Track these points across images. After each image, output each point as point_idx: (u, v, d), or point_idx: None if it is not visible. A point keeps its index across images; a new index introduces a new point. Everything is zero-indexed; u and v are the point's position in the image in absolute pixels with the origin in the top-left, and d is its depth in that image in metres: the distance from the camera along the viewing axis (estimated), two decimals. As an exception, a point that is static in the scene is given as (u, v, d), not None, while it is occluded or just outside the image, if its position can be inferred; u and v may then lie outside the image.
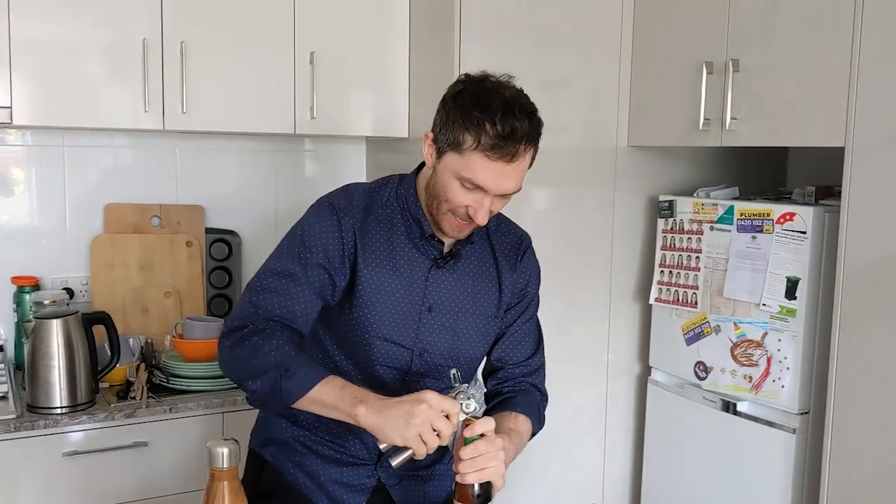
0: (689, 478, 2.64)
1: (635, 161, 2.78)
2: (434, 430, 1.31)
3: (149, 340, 2.61)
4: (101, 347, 2.36)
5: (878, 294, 2.04)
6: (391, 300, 1.52)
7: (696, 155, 2.87)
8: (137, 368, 2.41)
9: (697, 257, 2.55)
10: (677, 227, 2.62)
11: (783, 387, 2.31)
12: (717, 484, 2.54)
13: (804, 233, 2.25)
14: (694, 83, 2.47)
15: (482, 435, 1.34)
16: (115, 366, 2.36)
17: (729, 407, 2.48)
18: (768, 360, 2.35)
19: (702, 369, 2.55)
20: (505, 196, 1.46)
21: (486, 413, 1.60)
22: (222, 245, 2.91)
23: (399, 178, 1.60)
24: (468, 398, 1.36)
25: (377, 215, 1.54)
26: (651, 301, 2.72)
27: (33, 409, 2.21)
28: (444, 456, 1.67)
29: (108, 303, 2.68)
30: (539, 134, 1.44)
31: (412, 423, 1.29)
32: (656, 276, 2.70)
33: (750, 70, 2.32)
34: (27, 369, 2.23)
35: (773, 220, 2.32)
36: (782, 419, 2.34)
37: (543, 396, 1.67)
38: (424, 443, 1.30)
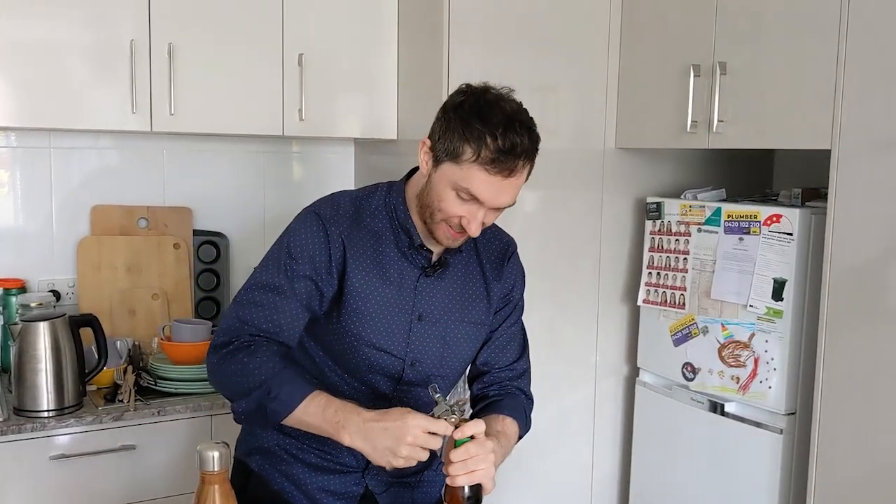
0: (677, 478, 2.65)
1: (623, 163, 2.79)
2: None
3: (136, 343, 2.60)
4: (89, 350, 2.36)
5: (864, 295, 2.06)
6: (381, 309, 1.52)
7: (683, 157, 2.88)
8: (125, 371, 2.40)
9: (685, 259, 2.56)
10: (665, 229, 2.63)
11: (770, 388, 2.33)
12: (705, 484, 2.55)
13: (791, 234, 2.26)
14: (681, 85, 2.48)
15: (472, 437, 1.34)
16: (102, 368, 2.35)
17: (716, 408, 2.49)
18: (755, 361, 2.36)
19: (689, 370, 2.56)
20: (499, 209, 1.46)
21: (474, 416, 1.61)
22: (210, 247, 2.90)
23: (387, 186, 1.58)
24: (452, 413, 1.36)
25: (365, 224, 1.53)
26: (639, 302, 2.74)
27: (20, 412, 2.20)
28: (432, 462, 1.67)
29: (94, 305, 2.66)
30: (537, 149, 1.44)
31: (398, 453, 1.31)
32: (644, 278, 2.71)
33: (737, 73, 2.34)
34: (14, 372, 2.22)
35: (759, 221, 2.33)
36: (769, 420, 2.35)
37: (529, 400, 1.68)
38: (406, 459, 1.32)
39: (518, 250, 1.71)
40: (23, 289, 2.61)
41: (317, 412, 1.36)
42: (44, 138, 2.67)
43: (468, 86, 1.46)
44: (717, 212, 2.45)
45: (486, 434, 1.40)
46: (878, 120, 2.01)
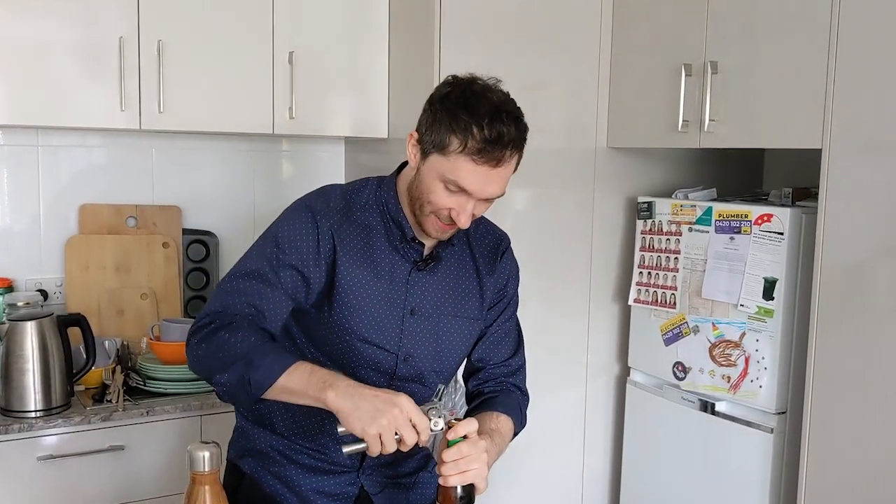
0: (668, 477, 2.65)
1: (614, 162, 2.79)
2: (397, 436, 1.29)
3: (125, 343, 2.58)
4: (77, 350, 2.34)
5: (855, 294, 2.06)
6: (372, 302, 1.51)
7: (674, 156, 2.89)
8: (113, 371, 2.38)
9: (676, 258, 2.56)
10: (656, 228, 2.63)
11: (761, 387, 2.33)
12: (696, 483, 2.55)
13: (781, 234, 2.27)
14: (673, 85, 2.48)
15: (465, 437, 1.34)
16: (90, 368, 2.34)
17: (707, 407, 2.49)
18: (746, 360, 2.36)
19: (680, 369, 2.56)
20: (488, 200, 1.45)
21: (468, 414, 1.60)
22: (199, 246, 2.88)
23: (378, 181, 1.58)
24: (439, 416, 1.34)
25: (356, 217, 1.52)
26: (630, 302, 2.73)
27: (7, 412, 2.18)
28: (427, 464, 1.67)
29: (82, 305, 2.64)
30: (525, 139, 1.43)
31: (377, 421, 1.27)
32: (635, 277, 2.71)
33: (728, 72, 2.34)
34: (0, 372, 2.20)
35: (750, 221, 2.34)
36: (760, 419, 2.35)
37: (524, 396, 1.67)
38: (382, 443, 1.28)
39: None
40: (10, 288, 2.59)
41: (302, 377, 1.33)
42: (31, 136, 2.65)
43: (454, 77, 1.45)
44: (708, 211, 2.45)
45: (480, 432, 1.40)
46: (868, 120, 2.01)
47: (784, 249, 2.26)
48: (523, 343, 1.71)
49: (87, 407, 2.27)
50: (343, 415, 1.29)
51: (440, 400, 1.39)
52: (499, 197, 1.45)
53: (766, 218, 2.30)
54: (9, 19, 2.27)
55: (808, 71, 2.13)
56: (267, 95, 2.60)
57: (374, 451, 1.29)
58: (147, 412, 2.30)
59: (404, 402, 1.30)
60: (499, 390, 1.63)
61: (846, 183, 2.06)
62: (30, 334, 2.19)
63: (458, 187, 1.41)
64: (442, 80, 1.48)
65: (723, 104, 2.36)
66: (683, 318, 2.55)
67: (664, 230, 2.60)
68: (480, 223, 1.66)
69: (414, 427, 1.29)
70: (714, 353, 2.45)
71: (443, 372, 1.60)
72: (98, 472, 2.25)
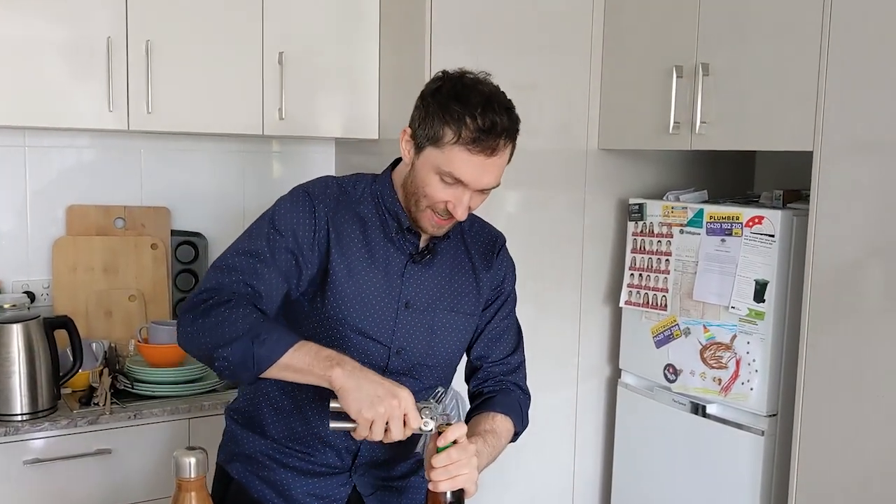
0: (659, 480, 2.65)
1: (606, 164, 2.78)
2: (386, 427, 1.29)
3: (112, 345, 2.56)
4: (63, 352, 2.32)
5: (846, 297, 2.06)
6: (367, 293, 1.50)
7: (666, 158, 2.88)
8: (101, 374, 2.36)
9: (667, 260, 2.56)
10: (647, 230, 2.63)
11: (752, 389, 2.33)
12: (687, 486, 2.55)
13: (772, 236, 2.26)
14: (664, 87, 2.48)
15: (454, 441, 1.33)
16: (77, 371, 2.32)
17: (698, 409, 2.49)
18: (737, 362, 2.36)
19: (671, 372, 2.56)
20: (484, 192, 1.46)
21: (469, 414, 1.60)
22: (188, 247, 2.87)
23: (372, 176, 1.58)
24: (431, 417, 1.34)
25: (352, 208, 1.52)
26: (621, 304, 2.73)
27: (-8, 416, 2.16)
28: (419, 468, 1.65)
29: (70, 306, 2.62)
30: (517, 129, 1.44)
31: (374, 407, 1.27)
32: (626, 279, 2.71)
33: (720, 74, 2.34)
34: (-14, 375, 2.18)
35: (741, 223, 2.33)
36: (751, 421, 2.35)
37: (526, 395, 1.66)
38: (371, 430, 1.29)
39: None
40: (-4, 290, 2.57)
41: (308, 354, 1.33)
42: (18, 136, 2.63)
43: (444, 72, 1.47)
44: (700, 213, 2.45)
45: (474, 433, 1.40)
46: (859, 122, 2.01)
47: (775, 251, 2.26)
48: (522, 341, 1.70)
49: (74, 410, 2.25)
50: (344, 392, 1.29)
51: (437, 402, 1.38)
52: (494, 188, 1.45)
53: (757, 220, 2.30)
54: (-5, 19, 2.25)
55: (800, 73, 2.12)
56: (257, 96, 2.58)
57: (361, 434, 1.30)
58: (135, 415, 2.28)
59: (405, 396, 1.30)
60: (498, 390, 1.62)
61: (837, 185, 2.06)
62: (16, 337, 2.17)
63: (453, 179, 1.41)
64: (430, 79, 1.48)
65: (714, 106, 2.35)
66: (674, 321, 2.54)
67: (655, 232, 2.60)
68: (475, 221, 1.66)
69: (405, 423, 1.30)
70: (705, 356, 2.45)
71: (436, 368, 1.59)
72: (85, 476, 2.23)
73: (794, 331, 2.21)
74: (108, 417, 2.24)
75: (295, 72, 2.61)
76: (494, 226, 1.72)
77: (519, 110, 1.47)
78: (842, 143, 2.05)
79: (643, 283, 2.64)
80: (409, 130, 1.47)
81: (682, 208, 2.51)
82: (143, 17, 2.40)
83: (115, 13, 2.37)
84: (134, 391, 2.39)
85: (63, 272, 2.66)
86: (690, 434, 2.52)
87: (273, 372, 1.34)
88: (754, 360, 2.32)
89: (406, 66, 2.58)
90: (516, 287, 1.72)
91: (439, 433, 1.33)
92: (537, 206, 2.68)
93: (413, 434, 1.34)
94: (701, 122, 2.37)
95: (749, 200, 2.56)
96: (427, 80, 2.38)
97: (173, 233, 2.84)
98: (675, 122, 2.44)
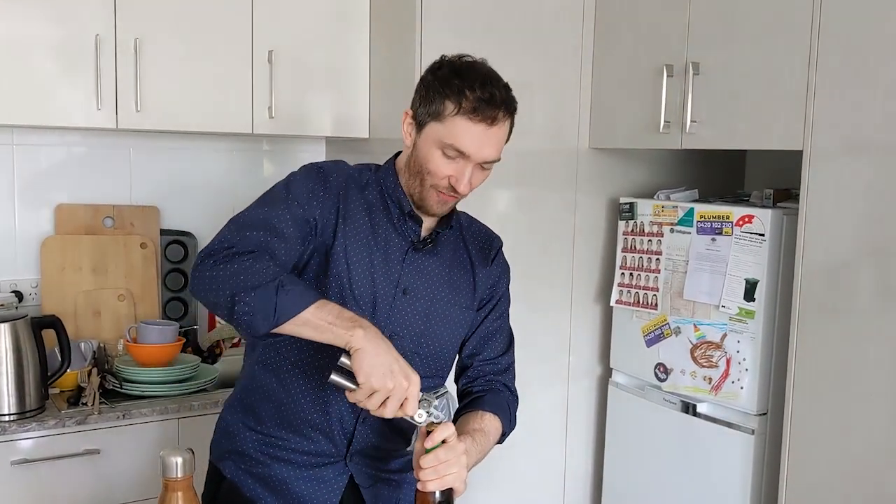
0: (650, 479, 2.65)
1: (596, 163, 2.78)
2: (384, 403, 1.30)
3: (101, 345, 2.54)
4: (51, 352, 2.30)
5: (836, 295, 2.06)
6: (367, 274, 1.51)
7: (656, 157, 2.88)
8: (89, 374, 2.35)
9: (658, 259, 2.56)
10: (638, 230, 2.63)
11: (742, 388, 2.33)
12: (677, 484, 2.55)
13: (763, 235, 2.27)
14: (654, 86, 2.48)
15: (443, 441, 1.32)
16: (65, 371, 2.30)
17: (689, 408, 2.49)
18: (727, 361, 2.36)
19: (662, 371, 2.56)
20: (484, 169, 1.48)
21: (458, 412, 1.60)
22: (178, 247, 2.85)
23: (375, 166, 1.61)
24: (427, 412, 1.34)
25: (359, 191, 1.55)
26: (612, 303, 2.73)
27: (-21, 416, 2.15)
28: None
29: (58, 306, 2.60)
30: (515, 108, 1.48)
31: (384, 380, 1.28)
32: (617, 278, 2.71)
33: (710, 73, 2.34)
34: (-27, 375, 2.16)
35: (732, 222, 2.34)
36: (741, 420, 2.35)
37: (514, 396, 1.66)
38: (369, 398, 1.29)
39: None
40: (-16, 289, 2.55)
41: (332, 312, 1.33)
42: (6, 135, 2.61)
43: (443, 56, 1.52)
44: (690, 212, 2.45)
45: (463, 432, 1.41)
46: (849, 121, 2.02)
47: (765, 251, 2.26)
48: (514, 345, 1.71)
49: (62, 410, 2.24)
50: (361, 354, 1.29)
51: (438, 399, 1.38)
52: (494, 162, 1.48)
53: (747, 219, 2.30)
54: (-18, 16, 2.24)
55: (790, 72, 2.13)
56: (246, 94, 2.58)
57: (358, 398, 1.30)
58: (123, 415, 2.27)
59: (416, 381, 1.32)
60: (487, 389, 1.62)
61: (827, 184, 2.06)
62: (3, 336, 2.16)
63: (456, 151, 1.44)
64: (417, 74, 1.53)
65: (704, 105, 2.35)
66: (665, 320, 2.54)
67: (646, 231, 2.60)
68: (474, 223, 1.69)
69: (402, 407, 1.31)
70: (695, 355, 2.45)
71: (427, 358, 1.59)
72: (73, 476, 2.22)
73: (784, 330, 2.22)
74: (96, 417, 2.23)
75: (285, 70, 2.60)
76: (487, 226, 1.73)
77: (509, 109, 1.48)
78: (831, 142, 2.05)
79: (634, 283, 2.64)
80: (410, 112, 1.50)
81: (673, 207, 2.51)
82: (131, 14, 2.39)
83: (104, 11, 2.36)
84: (123, 391, 2.38)
85: (51, 271, 2.64)
86: (681, 433, 2.52)
87: (290, 327, 1.33)
88: (744, 359, 2.32)
89: (396, 64, 2.58)
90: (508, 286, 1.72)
91: (428, 432, 1.32)
92: (528, 205, 2.68)
93: (408, 424, 1.35)
94: (691, 122, 2.37)
95: (739, 200, 2.56)
96: (417, 78, 2.40)
97: (163, 232, 2.83)
98: (665, 122, 2.45)
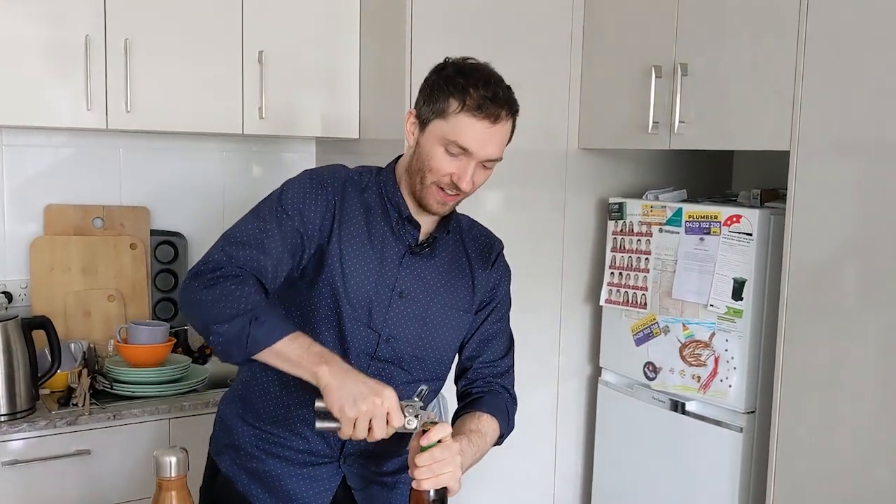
0: (640, 477, 2.67)
1: (586, 163, 2.80)
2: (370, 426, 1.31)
3: (91, 345, 2.54)
4: (42, 353, 2.30)
5: (823, 294, 2.09)
6: (362, 278, 1.52)
7: (645, 158, 2.90)
8: (79, 374, 2.34)
9: (647, 259, 2.58)
10: (627, 229, 2.65)
11: (730, 386, 2.35)
12: (667, 482, 2.57)
13: (750, 235, 2.29)
14: (643, 87, 2.49)
15: (439, 441, 1.33)
16: (55, 372, 2.30)
17: (677, 406, 2.51)
18: (716, 359, 2.38)
19: (651, 370, 2.58)
20: (486, 168, 1.50)
21: (456, 413, 1.61)
22: (168, 247, 2.85)
23: (377, 169, 1.62)
24: (415, 416, 1.35)
25: (358, 195, 1.56)
26: (601, 302, 2.75)
27: (-30, 417, 2.14)
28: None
29: (48, 307, 2.60)
30: (517, 108, 1.52)
31: (357, 405, 1.29)
32: (606, 278, 2.72)
33: (698, 74, 2.36)
34: (-37, 376, 2.16)
35: (720, 222, 2.36)
36: (730, 418, 2.37)
37: (513, 399, 1.67)
38: (354, 427, 1.30)
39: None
40: (-27, 290, 2.54)
41: (301, 347, 1.35)
42: (-5, 135, 2.61)
43: (446, 58, 1.54)
44: (679, 212, 2.47)
45: (459, 433, 1.42)
46: (836, 121, 2.04)
47: (753, 250, 2.28)
48: (514, 348, 1.72)
49: (53, 411, 2.24)
50: (328, 391, 1.31)
51: (420, 400, 1.39)
52: (496, 161, 1.50)
53: (735, 219, 2.32)
54: (-29, 16, 2.23)
55: (777, 73, 2.15)
56: (237, 95, 2.58)
57: (345, 433, 1.32)
58: (114, 416, 2.26)
59: (388, 394, 1.32)
60: (486, 391, 1.63)
61: (814, 184, 2.09)
62: (-7, 337, 2.15)
63: (459, 148, 1.45)
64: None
65: (693, 106, 2.37)
66: (654, 319, 2.56)
67: (635, 231, 2.62)
68: (475, 226, 1.71)
69: (388, 422, 1.31)
70: (684, 353, 2.47)
71: (425, 361, 1.60)
72: (64, 477, 2.22)
73: (772, 328, 2.24)
74: (87, 418, 2.23)
75: (275, 70, 2.61)
76: None
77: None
78: (818, 142, 2.07)
79: (623, 282, 2.66)
80: (413, 111, 1.53)
81: (662, 207, 2.53)
82: (121, 15, 2.39)
83: (94, 11, 2.36)
84: (113, 391, 2.37)
85: (41, 272, 2.63)
86: (670, 431, 2.54)
87: (264, 356, 1.36)
88: (733, 358, 2.34)
89: (387, 65, 2.59)
90: None
91: (424, 432, 1.33)
92: (518, 205, 2.69)
93: (401, 432, 1.35)
94: (679, 122, 2.39)
95: (727, 199, 2.58)
96: (408, 78, 2.44)
97: (152, 232, 2.83)
98: (654, 122, 2.46)
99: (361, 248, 1.52)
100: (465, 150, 1.46)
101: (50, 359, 2.29)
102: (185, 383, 2.44)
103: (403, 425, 1.33)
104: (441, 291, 1.59)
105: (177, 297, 2.86)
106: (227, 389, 1.75)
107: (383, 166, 1.62)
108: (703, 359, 2.42)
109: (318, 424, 1.35)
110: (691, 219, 2.43)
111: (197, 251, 2.89)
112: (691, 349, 2.45)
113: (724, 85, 2.29)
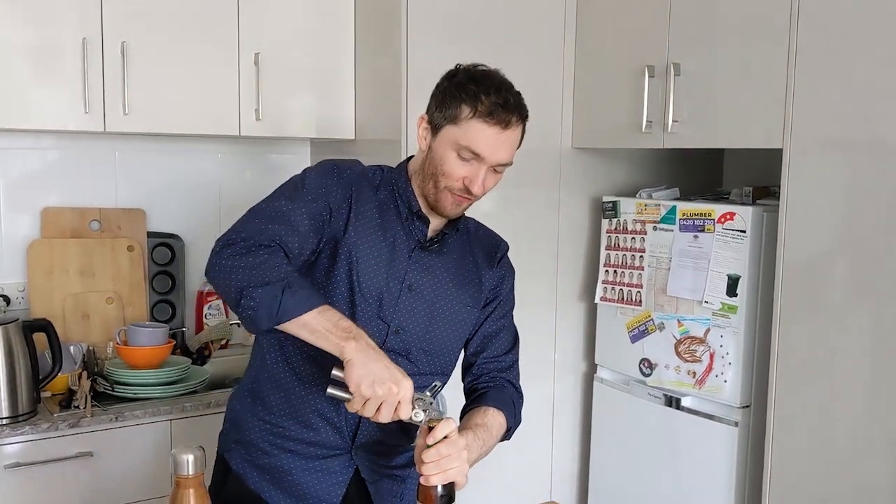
0: (636, 472, 2.70)
1: (580, 162, 2.82)
2: (378, 410, 1.34)
3: (91, 348, 2.54)
4: (42, 356, 2.30)
5: (816, 289, 2.12)
6: (373, 269, 1.55)
7: (638, 156, 2.93)
8: (80, 376, 2.35)
9: (641, 256, 2.61)
10: (621, 228, 2.67)
11: (725, 381, 2.38)
12: (663, 477, 2.60)
13: (744, 231, 2.32)
14: (636, 86, 2.52)
15: (445, 437, 1.35)
16: (56, 374, 2.31)
17: (673, 402, 2.54)
18: (711, 355, 2.41)
19: (646, 366, 2.61)
20: (497, 172, 1.54)
21: (463, 409, 1.64)
22: (165, 249, 2.85)
23: (388, 167, 1.65)
24: (423, 410, 1.38)
25: (371, 190, 1.59)
26: (596, 300, 2.77)
27: (-28, 420, 2.15)
28: None
29: (46, 310, 2.60)
30: (527, 114, 1.55)
31: (373, 388, 1.32)
32: (601, 276, 2.75)
33: (691, 74, 2.39)
34: (-35, 380, 2.16)
35: (713, 219, 2.39)
36: (725, 413, 2.41)
37: (519, 393, 1.70)
38: (364, 407, 1.34)
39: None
40: (-29, 294, 2.54)
41: (331, 319, 1.37)
42: (-9, 139, 2.61)
43: (458, 65, 1.58)
44: (672, 210, 2.50)
45: (465, 428, 1.45)
46: (827, 119, 2.07)
47: (746, 247, 2.32)
48: (518, 345, 1.75)
49: (55, 413, 2.24)
50: (351, 365, 1.34)
51: (432, 395, 1.41)
52: (507, 165, 1.54)
53: (728, 216, 2.35)
54: (-31, 20, 2.23)
55: (769, 73, 2.18)
56: (233, 97, 2.59)
57: (353, 407, 1.35)
58: (115, 417, 2.27)
59: (406, 385, 1.35)
60: (492, 385, 1.66)
61: (806, 181, 2.12)
62: (-5, 341, 2.16)
63: (471, 153, 1.49)
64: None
65: (686, 105, 2.40)
66: (649, 316, 2.59)
67: (629, 229, 2.65)
68: (480, 228, 1.74)
69: (396, 410, 1.35)
70: (679, 350, 2.50)
71: (433, 355, 1.62)
72: (66, 479, 2.22)
73: (766, 324, 2.27)
74: (88, 420, 2.23)
75: (271, 72, 2.62)
76: None
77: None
78: (810, 140, 2.11)
79: (618, 280, 2.69)
80: (425, 117, 1.56)
81: (655, 205, 2.56)
82: (118, 18, 2.39)
83: (90, 14, 2.36)
84: (114, 393, 2.38)
85: (38, 275, 2.63)
86: (666, 427, 2.57)
87: (291, 326, 1.38)
88: (727, 353, 2.37)
89: (382, 66, 2.60)
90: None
91: (430, 428, 1.36)
92: (513, 204, 2.71)
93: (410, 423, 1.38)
94: (673, 121, 2.42)
95: (719, 197, 2.62)
96: (403, 79, 2.46)
97: (149, 234, 2.83)
98: (647, 121, 2.49)
99: (374, 241, 1.56)
100: (476, 155, 1.49)
101: (51, 361, 2.29)
102: (185, 384, 2.45)
103: (410, 417, 1.37)
104: (449, 286, 1.62)
105: (174, 300, 2.87)
106: (235, 387, 1.77)
107: (393, 166, 1.65)
108: (698, 355, 2.45)
109: (330, 390, 1.38)
110: (685, 216, 2.46)
111: (193, 253, 2.90)
112: (686, 345, 2.48)
113: (717, 84, 2.33)
